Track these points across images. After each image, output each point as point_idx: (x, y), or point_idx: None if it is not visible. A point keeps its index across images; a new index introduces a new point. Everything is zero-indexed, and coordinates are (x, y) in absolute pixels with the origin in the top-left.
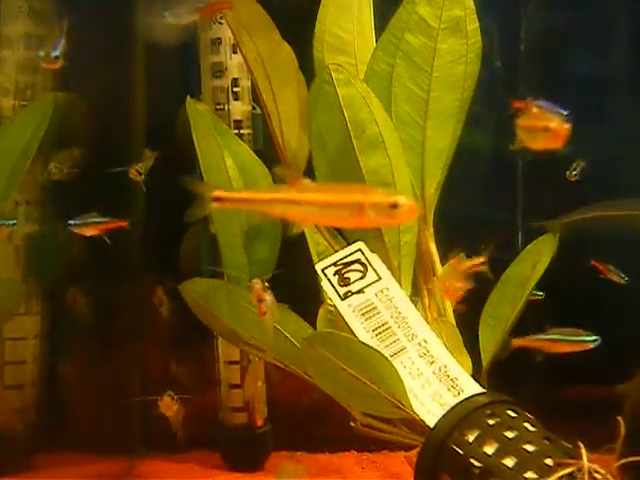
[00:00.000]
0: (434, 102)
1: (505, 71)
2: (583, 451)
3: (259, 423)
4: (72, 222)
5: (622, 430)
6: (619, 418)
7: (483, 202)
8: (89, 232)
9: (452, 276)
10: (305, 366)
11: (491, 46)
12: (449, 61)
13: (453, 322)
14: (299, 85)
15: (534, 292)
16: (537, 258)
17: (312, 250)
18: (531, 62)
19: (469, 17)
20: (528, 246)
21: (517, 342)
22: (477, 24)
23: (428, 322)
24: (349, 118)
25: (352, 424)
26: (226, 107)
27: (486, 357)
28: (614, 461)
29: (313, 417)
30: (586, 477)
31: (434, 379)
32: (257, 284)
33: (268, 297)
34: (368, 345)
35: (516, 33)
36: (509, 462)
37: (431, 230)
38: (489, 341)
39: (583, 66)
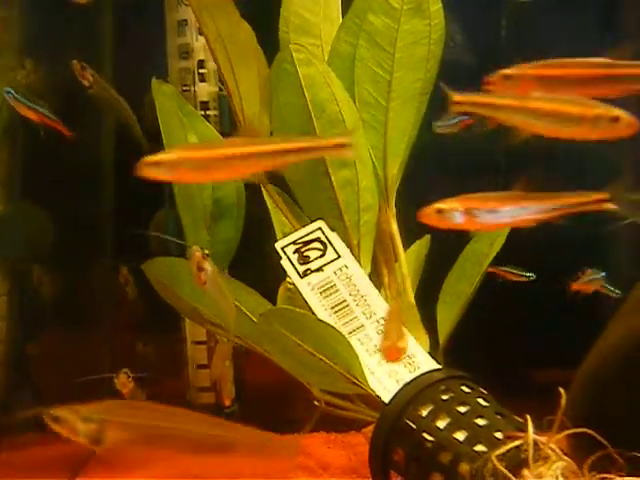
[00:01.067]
0: (397, 83)
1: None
2: (529, 424)
3: (227, 403)
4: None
5: (563, 401)
6: (560, 389)
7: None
8: (24, 112)
9: None
10: (262, 342)
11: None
12: (412, 42)
13: (412, 300)
14: (259, 64)
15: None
16: (494, 235)
17: (277, 230)
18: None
19: None
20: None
21: None
22: (440, 5)
23: (387, 300)
24: (309, 98)
25: (316, 403)
26: (192, 88)
27: (443, 334)
28: (557, 433)
29: (283, 398)
30: (530, 449)
31: None
32: (196, 252)
33: (208, 266)
34: (324, 321)
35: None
36: (460, 436)
37: (393, 210)
38: (446, 318)
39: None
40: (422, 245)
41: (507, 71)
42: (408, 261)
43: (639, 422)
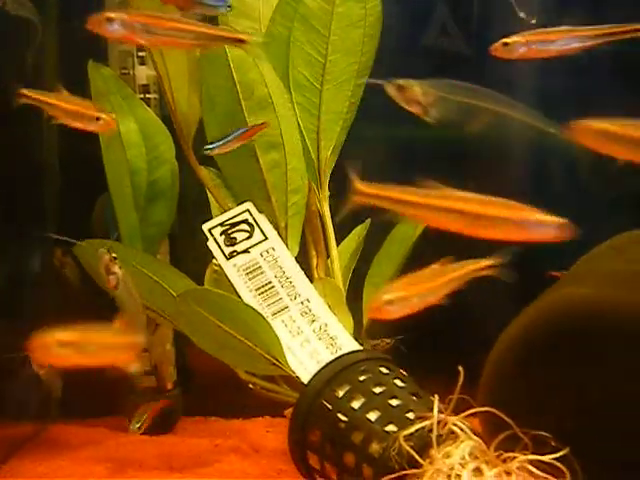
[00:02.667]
0: (331, 65)
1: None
2: (435, 404)
3: (168, 386)
4: None
5: (460, 379)
6: (459, 367)
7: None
8: None
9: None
10: (180, 322)
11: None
12: (347, 25)
13: (339, 281)
14: None
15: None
16: None
17: (214, 214)
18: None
19: None
20: None
21: None
22: None
23: (313, 282)
24: (238, 79)
25: (250, 386)
26: (131, 72)
27: (367, 315)
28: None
29: (230, 384)
30: (435, 429)
31: (314, 337)
32: (104, 255)
33: (117, 269)
34: (244, 303)
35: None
36: (372, 416)
37: (326, 192)
38: (371, 299)
39: None
40: (362, 228)
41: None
42: (348, 244)
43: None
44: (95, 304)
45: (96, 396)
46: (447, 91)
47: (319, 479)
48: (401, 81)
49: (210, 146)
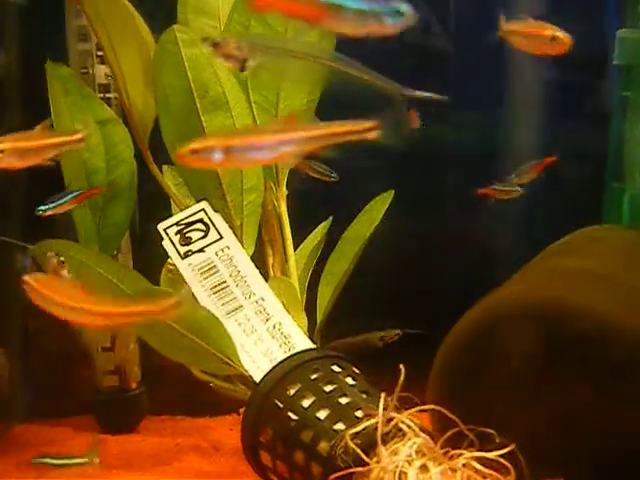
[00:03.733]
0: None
1: None
2: (381, 402)
3: (132, 386)
4: None
5: (402, 377)
6: (401, 366)
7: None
8: None
9: None
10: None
11: None
12: (303, 25)
13: (295, 281)
14: (142, 45)
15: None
16: (373, 217)
17: (174, 213)
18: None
19: None
20: (366, 206)
21: None
22: None
23: (269, 280)
24: (193, 78)
25: (211, 385)
26: (91, 71)
27: (321, 313)
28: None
29: (197, 382)
30: (380, 427)
31: (267, 336)
32: (52, 258)
33: (65, 273)
34: (193, 302)
35: None
36: (322, 414)
37: (284, 191)
38: (325, 297)
39: None
40: (323, 226)
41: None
42: (308, 243)
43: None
44: None
45: (61, 396)
46: (261, 43)
47: (272, 476)
48: (217, 38)
49: (42, 207)
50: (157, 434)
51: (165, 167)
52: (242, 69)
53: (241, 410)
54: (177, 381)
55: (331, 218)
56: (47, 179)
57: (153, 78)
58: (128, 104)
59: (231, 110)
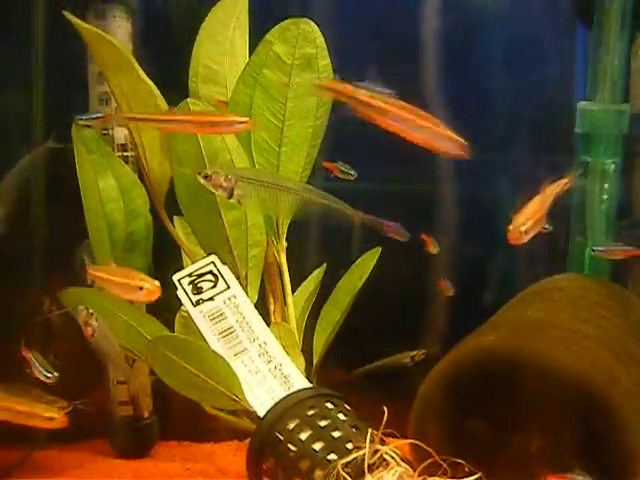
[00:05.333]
0: (288, 129)
1: None
2: (368, 436)
3: (145, 415)
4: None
5: (385, 417)
6: (384, 407)
7: None
8: None
9: None
10: (152, 364)
11: None
12: (302, 93)
13: (293, 326)
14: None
15: None
16: (364, 270)
17: (185, 264)
18: None
19: (320, 54)
20: (357, 260)
21: None
22: (327, 60)
23: (270, 326)
24: (204, 146)
25: (219, 415)
26: (111, 132)
27: (316, 356)
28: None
29: (203, 411)
30: (366, 458)
31: (270, 376)
32: (82, 311)
33: (94, 322)
34: (207, 347)
35: None
36: (317, 446)
37: (283, 244)
38: (320, 342)
39: None
40: (319, 272)
41: None
42: (305, 289)
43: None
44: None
45: (79, 421)
46: (247, 176)
47: None
48: (208, 170)
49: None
50: (168, 459)
51: (176, 218)
52: (230, 197)
53: (245, 441)
54: (181, 408)
55: (325, 265)
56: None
57: (168, 146)
58: (146, 168)
59: None
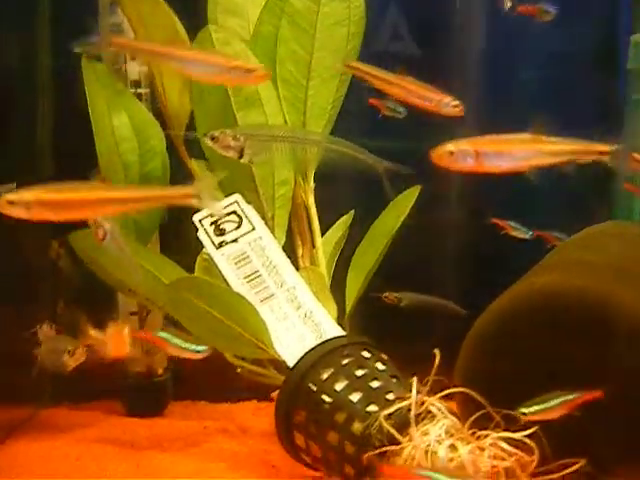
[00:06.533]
0: (317, 62)
1: None
2: (414, 385)
3: (158, 372)
4: None
5: (436, 361)
6: (435, 350)
7: None
8: None
9: None
10: (171, 309)
11: None
12: (332, 23)
13: (324, 270)
14: (181, 42)
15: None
16: (401, 210)
17: None
18: None
19: None
20: (394, 200)
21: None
22: None
23: (299, 270)
24: None
25: (238, 370)
26: (123, 67)
27: (350, 302)
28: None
29: (218, 370)
30: (413, 409)
31: (299, 323)
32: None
33: (105, 223)
34: (232, 290)
35: None
36: (355, 397)
37: (311, 185)
38: (353, 287)
39: None
40: (346, 219)
41: None
42: (333, 233)
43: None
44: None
45: (88, 381)
46: (257, 132)
47: (304, 457)
48: (215, 132)
49: None
50: (183, 418)
51: (193, 161)
52: (240, 157)
53: (274, 394)
54: (195, 368)
55: (353, 212)
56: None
57: (189, 76)
58: (165, 100)
59: (264, 107)
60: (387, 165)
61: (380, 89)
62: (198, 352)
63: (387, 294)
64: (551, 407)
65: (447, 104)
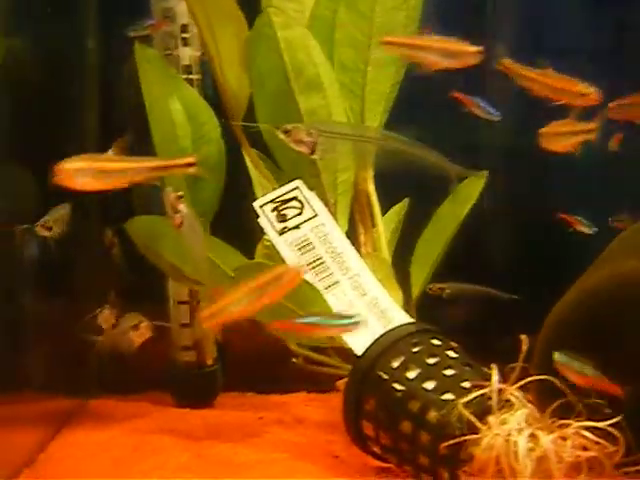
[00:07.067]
0: (375, 47)
1: None
2: (494, 373)
3: (208, 362)
4: None
5: (524, 347)
6: (523, 335)
7: None
8: None
9: None
10: None
11: None
12: (391, 7)
13: (387, 257)
14: (240, 26)
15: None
16: (467, 197)
17: (257, 190)
18: None
19: None
20: (459, 186)
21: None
22: None
23: (362, 257)
24: (288, 60)
25: (294, 360)
26: (175, 52)
27: (416, 289)
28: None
29: (266, 360)
30: (494, 397)
31: (365, 310)
32: (171, 194)
33: (183, 208)
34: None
35: None
36: (429, 385)
37: (371, 172)
38: (419, 274)
39: None
40: (401, 206)
41: None
42: (388, 221)
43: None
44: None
45: (134, 373)
46: (329, 129)
47: (373, 447)
48: (289, 125)
49: None
50: (236, 409)
51: (243, 149)
52: (312, 152)
53: (339, 383)
54: (241, 359)
55: (407, 199)
56: None
57: (248, 60)
58: (223, 85)
59: (325, 91)
60: (459, 170)
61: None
62: (351, 324)
63: (431, 286)
64: (580, 371)
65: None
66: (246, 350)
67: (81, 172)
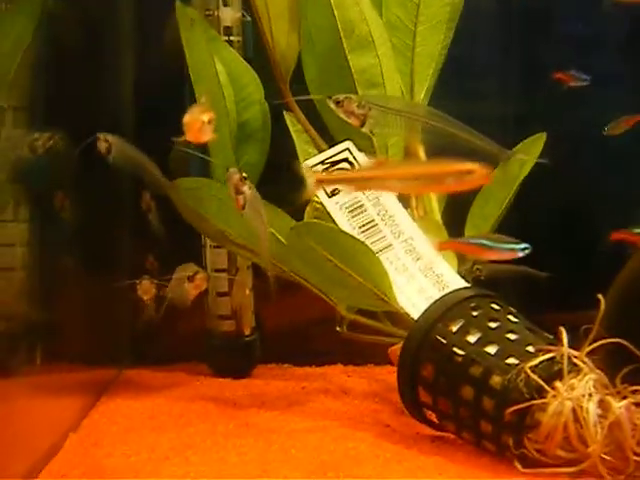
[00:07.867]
0: (425, 7)
1: None
2: (564, 335)
3: (246, 332)
4: None
5: (602, 307)
6: (599, 296)
7: None
8: None
9: None
10: (291, 258)
11: None
12: None
13: (439, 220)
14: None
15: None
16: (524, 159)
17: (300, 153)
18: None
19: None
20: (517, 146)
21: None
22: None
23: (415, 220)
24: (339, 17)
25: (338, 329)
26: (216, 13)
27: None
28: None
29: (302, 332)
30: (565, 362)
31: (420, 275)
32: (234, 174)
33: (246, 189)
34: (353, 236)
35: None
36: (491, 349)
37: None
38: None
39: None
40: None
41: None
42: None
43: None
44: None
45: (171, 343)
46: (381, 103)
47: (428, 414)
48: (340, 96)
49: None
50: (278, 379)
51: (285, 113)
52: (362, 125)
53: (394, 348)
54: (276, 331)
55: None
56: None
57: (298, 17)
58: (272, 43)
59: (376, 50)
60: (509, 154)
61: None
62: (520, 250)
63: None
64: None
65: None
66: (281, 322)
67: None
